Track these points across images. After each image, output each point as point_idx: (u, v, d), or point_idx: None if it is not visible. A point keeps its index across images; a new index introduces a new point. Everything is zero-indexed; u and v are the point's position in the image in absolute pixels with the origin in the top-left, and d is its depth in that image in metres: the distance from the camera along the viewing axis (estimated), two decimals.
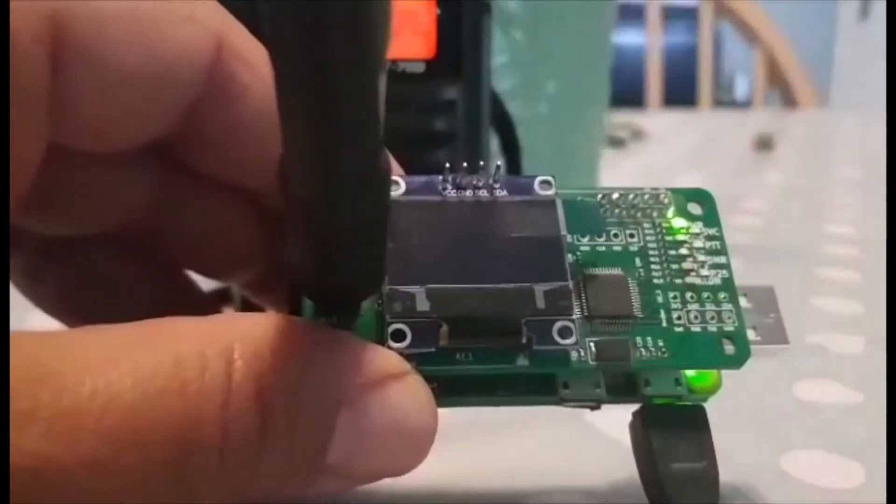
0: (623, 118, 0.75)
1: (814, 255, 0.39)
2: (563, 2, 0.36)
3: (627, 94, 0.81)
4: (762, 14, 1.11)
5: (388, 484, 0.19)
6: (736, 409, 0.17)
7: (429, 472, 0.16)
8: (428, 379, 0.14)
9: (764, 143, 0.70)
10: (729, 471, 0.16)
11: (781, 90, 1.11)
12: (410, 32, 0.24)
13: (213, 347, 0.12)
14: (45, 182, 0.16)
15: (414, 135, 0.17)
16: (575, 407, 0.17)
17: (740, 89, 2.11)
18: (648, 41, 1.19)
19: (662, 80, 1.16)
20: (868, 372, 0.26)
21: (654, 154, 0.71)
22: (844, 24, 2.06)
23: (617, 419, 0.17)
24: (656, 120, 0.89)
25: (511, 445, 0.21)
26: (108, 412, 0.11)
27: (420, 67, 0.24)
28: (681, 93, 1.16)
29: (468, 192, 0.16)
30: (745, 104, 1.64)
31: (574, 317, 0.15)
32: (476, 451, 0.21)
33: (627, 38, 1.31)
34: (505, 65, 0.35)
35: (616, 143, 0.68)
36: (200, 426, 0.12)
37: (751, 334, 0.16)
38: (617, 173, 0.57)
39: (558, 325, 0.15)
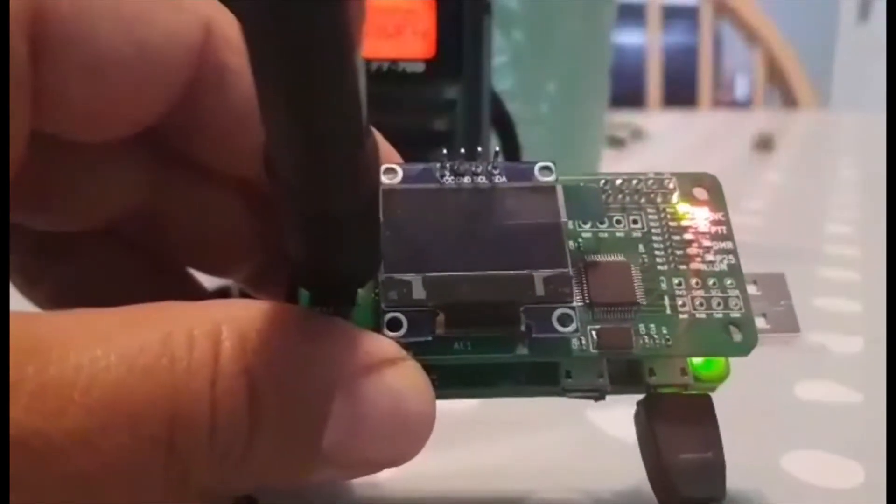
0: (623, 118, 0.75)
1: (814, 255, 0.39)
2: (563, 2, 0.36)
3: (627, 94, 0.81)
4: (762, 14, 1.11)
5: (387, 483, 0.19)
6: (736, 409, 0.16)
7: (429, 472, 0.16)
8: (427, 369, 0.14)
9: (764, 143, 0.70)
10: (729, 471, 0.15)
11: (781, 90, 1.11)
12: (410, 32, 0.24)
13: (201, 328, 0.12)
14: (35, 174, 0.16)
15: (414, 135, 0.17)
16: (578, 397, 0.16)
17: (740, 89, 2.11)
18: (648, 41, 1.19)
19: (662, 80, 1.16)
20: (868, 372, 0.26)
21: (654, 154, 0.71)
22: (844, 24, 2.06)
23: (619, 418, 0.17)
24: (656, 120, 0.89)
25: (512, 445, 0.21)
26: (94, 386, 0.11)
27: (420, 67, 0.24)
28: (681, 93, 1.16)
29: (466, 179, 0.16)
30: (745, 104, 1.64)
31: (575, 304, 0.15)
32: (477, 450, 0.20)
33: (627, 38, 1.31)
34: (505, 65, 0.35)
35: (616, 143, 0.68)
36: (189, 403, 0.12)
37: (761, 322, 0.16)
38: None
39: (558, 312, 0.15)
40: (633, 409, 0.17)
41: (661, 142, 0.76)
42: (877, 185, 0.52)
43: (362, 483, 0.19)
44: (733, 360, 0.16)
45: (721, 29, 1.42)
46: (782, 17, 1.22)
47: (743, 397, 0.16)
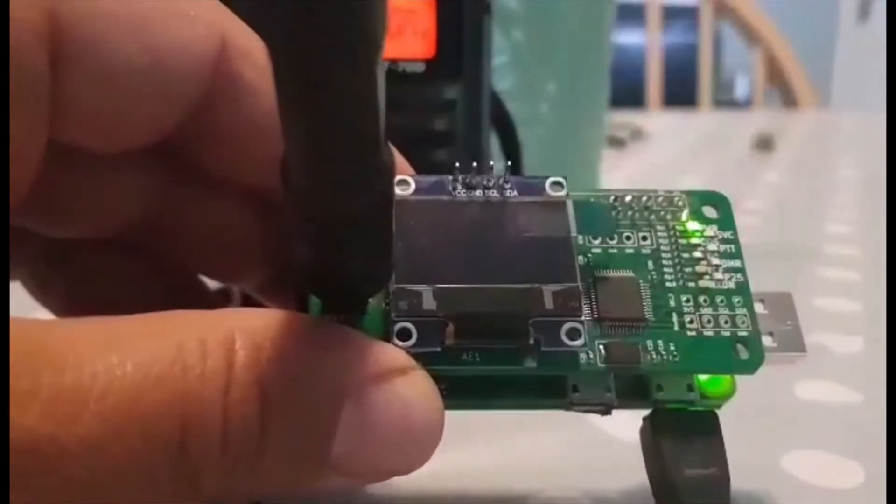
0: (623, 118, 0.75)
1: (814, 255, 0.39)
2: (563, 2, 0.36)
3: (627, 94, 0.81)
4: (762, 14, 1.11)
5: (386, 483, 0.19)
6: (736, 409, 0.16)
7: (429, 472, 0.16)
8: (435, 379, 0.14)
9: (764, 143, 0.70)
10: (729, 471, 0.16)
11: (781, 90, 1.11)
12: (410, 32, 0.24)
13: (214, 336, 0.12)
14: (49, 183, 0.16)
15: (414, 135, 0.17)
16: (585, 411, 0.16)
17: (740, 89, 2.11)
18: (648, 41, 1.19)
19: (662, 80, 1.16)
20: (868, 372, 0.26)
21: (654, 154, 0.71)
22: (844, 24, 2.06)
23: (620, 418, 0.17)
24: (656, 120, 0.89)
25: (512, 445, 0.21)
26: (109, 393, 0.11)
27: (420, 67, 0.24)
28: (681, 93, 1.16)
29: (478, 192, 0.16)
30: (745, 104, 1.64)
31: (583, 318, 0.15)
32: (477, 450, 0.21)
33: (627, 38, 1.31)
34: (505, 65, 0.35)
35: (616, 143, 0.68)
36: (202, 411, 0.12)
37: (767, 341, 0.16)
38: (617, 173, 0.57)
39: (567, 326, 0.15)
40: (633, 411, 0.17)
41: (661, 142, 0.76)
42: (877, 185, 0.52)
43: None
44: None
45: (721, 29, 1.42)
46: (782, 17, 1.22)
47: (743, 397, 0.16)
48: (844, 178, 0.60)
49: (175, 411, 0.12)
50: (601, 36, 0.40)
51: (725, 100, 1.89)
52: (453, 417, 0.14)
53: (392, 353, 0.14)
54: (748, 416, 0.22)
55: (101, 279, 0.19)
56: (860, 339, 0.29)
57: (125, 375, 0.11)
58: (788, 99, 1.10)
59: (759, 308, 0.16)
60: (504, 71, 0.35)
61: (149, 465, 0.12)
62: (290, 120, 0.11)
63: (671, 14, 1.29)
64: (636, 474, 0.17)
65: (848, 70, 1.96)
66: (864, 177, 0.59)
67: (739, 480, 0.15)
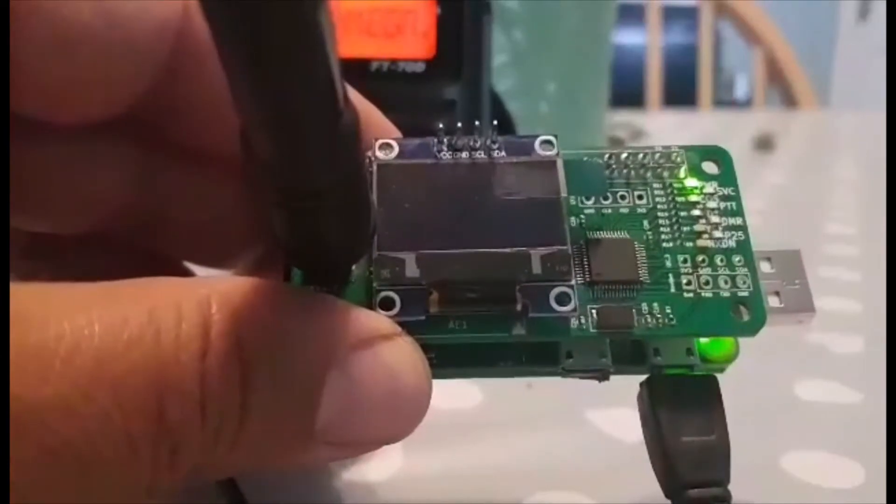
0: (623, 118, 0.75)
1: (814, 255, 0.39)
2: (563, 2, 0.36)
3: (627, 94, 0.81)
4: (762, 14, 1.11)
5: (387, 483, 0.19)
6: (735, 409, 0.16)
7: (429, 474, 0.16)
8: (424, 348, 0.14)
9: (764, 143, 0.70)
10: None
11: (781, 90, 1.11)
12: (410, 32, 0.24)
13: (189, 300, 0.12)
14: (20, 172, 0.15)
15: (414, 135, 0.17)
16: (580, 377, 0.16)
17: (740, 89, 2.11)
18: (648, 41, 1.19)
19: (662, 80, 1.16)
20: (868, 372, 0.26)
21: None
22: (844, 24, 2.06)
23: (618, 418, 0.17)
24: (656, 120, 0.89)
25: (512, 445, 0.21)
26: (77, 354, 0.11)
27: (420, 67, 0.24)
28: (681, 93, 1.16)
29: (464, 154, 0.15)
30: (745, 104, 1.64)
31: (574, 283, 0.14)
32: (477, 451, 0.20)
33: (627, 38, 1.31)
34: (505, 65, 0.35)
35: (616, 143, 0.68)
36: (178, 375, 0.11)
37: (774, 301, 0.16)
38: None
39: (556, 291, 0.14)
40: (632, 411, 0.17)
41: (661, 142, 0.76)
42: (877, 185, 0.52)
43: (361, 484, 0.19)
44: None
45: (721, 29, 1.42)
46: (782, 17, 1.22)
47: (743, 397, 0.16)
48: (844, 178, 0.60)
49: (149, 375, 0.11)
50: (601, 36, 0.40)
51: (725, 100, 1.89)
52: (452, 417, 0.14)
53: (375, 320, 0.13)
54: (748, 416, 0.22)
55: (86, 275, 0.19)
56: (860, 338, 0.29)
57: (93, 336, 0.11)
58: (788, 99, 1.10)
59: (765, 267, 0.16)
60: (504, 71, 0.35)
61: (125, 431, 0.11)
62: (234, 85, 0.10)
63: (671, 14, 1.29)
64: (637, 475, 0.17)
65: (848, 70, 1.96)
66: (864, 177, 0.59)
67: (739, 480, 0.15)
